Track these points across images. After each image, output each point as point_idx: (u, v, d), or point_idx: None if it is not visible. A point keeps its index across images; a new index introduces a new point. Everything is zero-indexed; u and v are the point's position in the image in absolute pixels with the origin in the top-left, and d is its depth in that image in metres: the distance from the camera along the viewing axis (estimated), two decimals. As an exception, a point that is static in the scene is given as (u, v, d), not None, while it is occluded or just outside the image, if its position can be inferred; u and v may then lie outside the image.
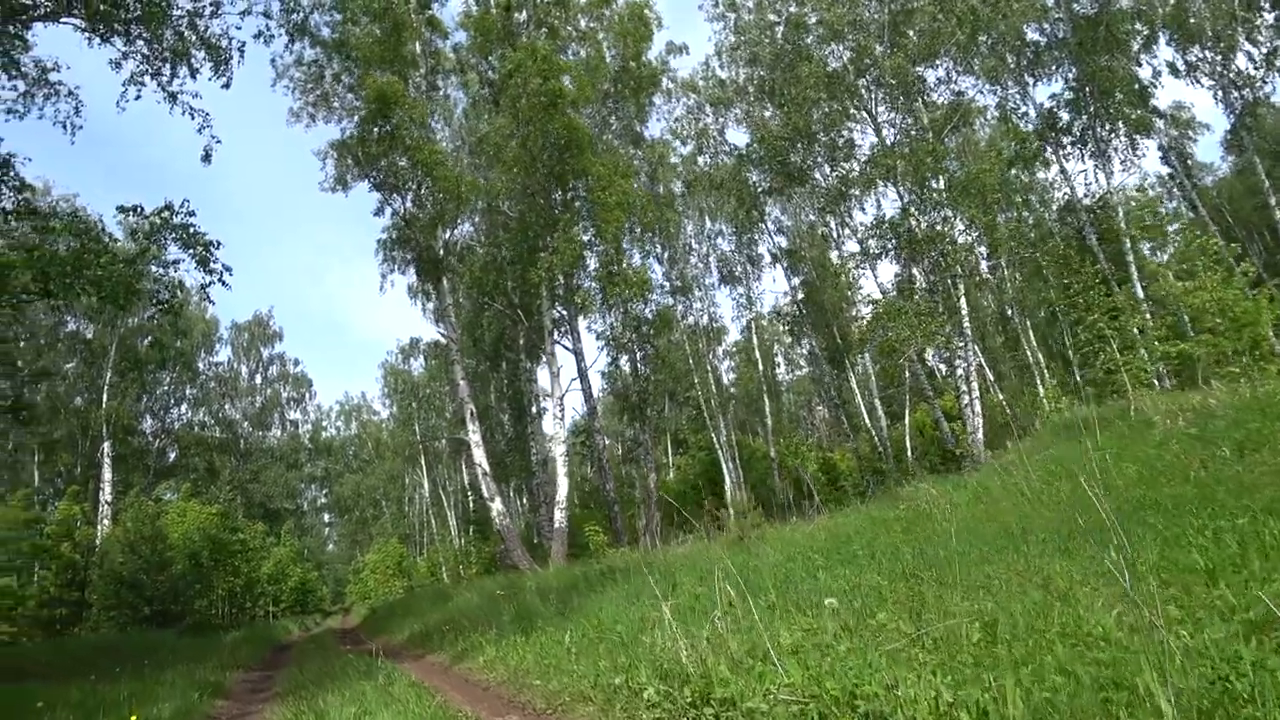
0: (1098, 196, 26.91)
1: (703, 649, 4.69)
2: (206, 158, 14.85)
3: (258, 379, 43.94)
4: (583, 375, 21.49)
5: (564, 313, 21.72)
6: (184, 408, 41.78)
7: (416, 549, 44.23)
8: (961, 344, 23.02)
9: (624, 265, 18.20)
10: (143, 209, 12.35)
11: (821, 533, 10.63)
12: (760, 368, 35.90)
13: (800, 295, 43.03)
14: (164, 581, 21.09)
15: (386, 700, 5.83)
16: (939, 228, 24.88)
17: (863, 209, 30.19)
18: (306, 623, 34.82)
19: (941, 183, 25.37)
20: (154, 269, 12.65)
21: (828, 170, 28.79)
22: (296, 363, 45.61)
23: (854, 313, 43.32)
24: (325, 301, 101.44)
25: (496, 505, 16.72)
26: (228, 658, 13.11)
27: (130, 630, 19.69)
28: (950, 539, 6.50)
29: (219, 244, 13.01)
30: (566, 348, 20.85)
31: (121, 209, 12.30)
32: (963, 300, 24.71)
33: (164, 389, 40.75)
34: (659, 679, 4.52)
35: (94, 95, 15.49)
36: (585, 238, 18.74)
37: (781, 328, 50.49)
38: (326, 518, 58.29)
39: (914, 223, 24.77)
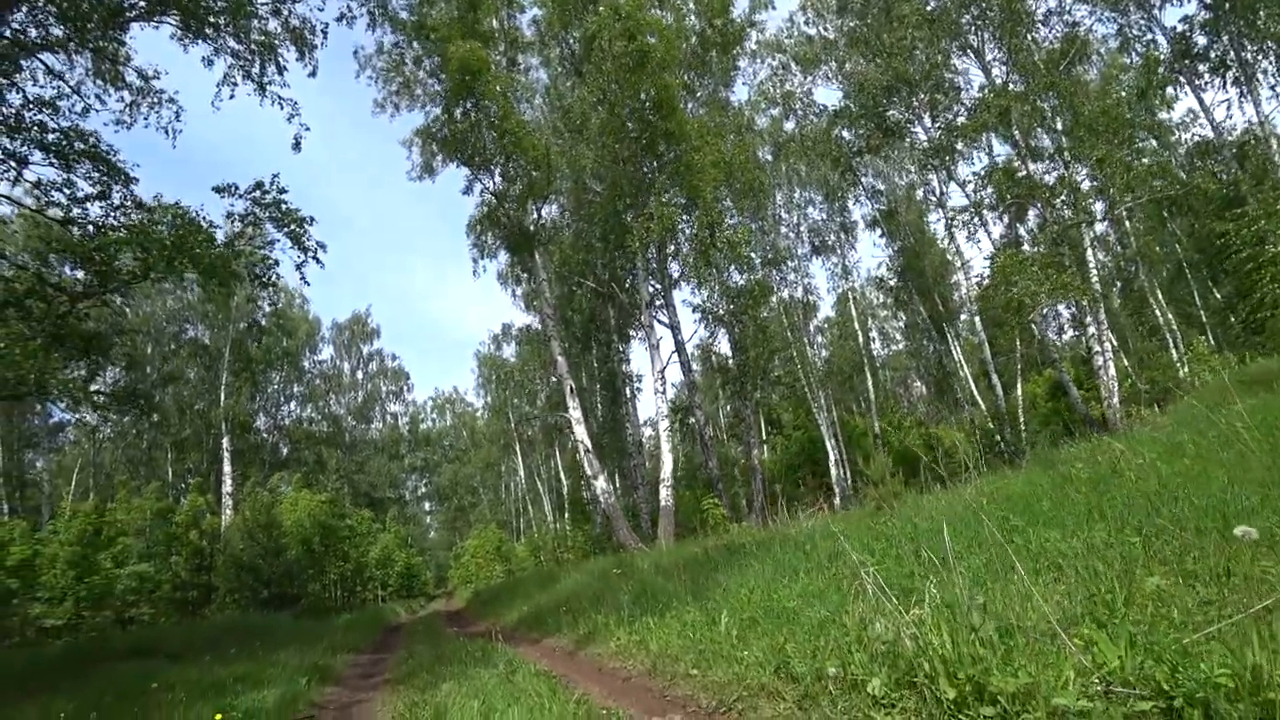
0: (1243, 129, 23.68)
1: (928, 628, 3.40)
2: (296, 146, 14.52)
3: (359, 374, 45.04)
4: (680, 349, 20.29)
5: (658, 287, 20.59)
6: (293, 405, 43.24)
7: (514, 534, 44.38)
8: (1090, 300, 20.54)
9: (723, 228, 16.82)
10: (237, 187, 12.00)
11: (981, 498, 9.09)
12: (860, 338, 33.70)
13: (898, 263, 40.50)
14: (279, 566, 21.37)
15: (512, 692, 4.82)
16: (1060, 173, 22.38)
17: (969, 161, 27.79)
18: (413, 605, 35.24)
19: (1061, 123, 22.77)
20: (251, 250, 12.25)
21: (929, 122, 26.52)
22: (394, 358, 46.56)
23: (955, 279, 40.46)
24: (415, 302, 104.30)
25: (600, 483, 15.79)
26: (339, 640, 12.65)
27: (250, 612, 19.95)
28: (1169, 495, 5.01)
29: (312, 220, 12.54)
30: (663, 322, 19.72)
31: (217, 189, 11.98)
32: (1089, 252, 22.14)
33: (274, 388, 42.27)
34: (883, 666, 3.28)
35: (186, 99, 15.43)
36: (680, 201, 17.44)
37: (876, 299, 47.89)
38: (427, 506, 59.63)
39: (1030, 168, 22.32)
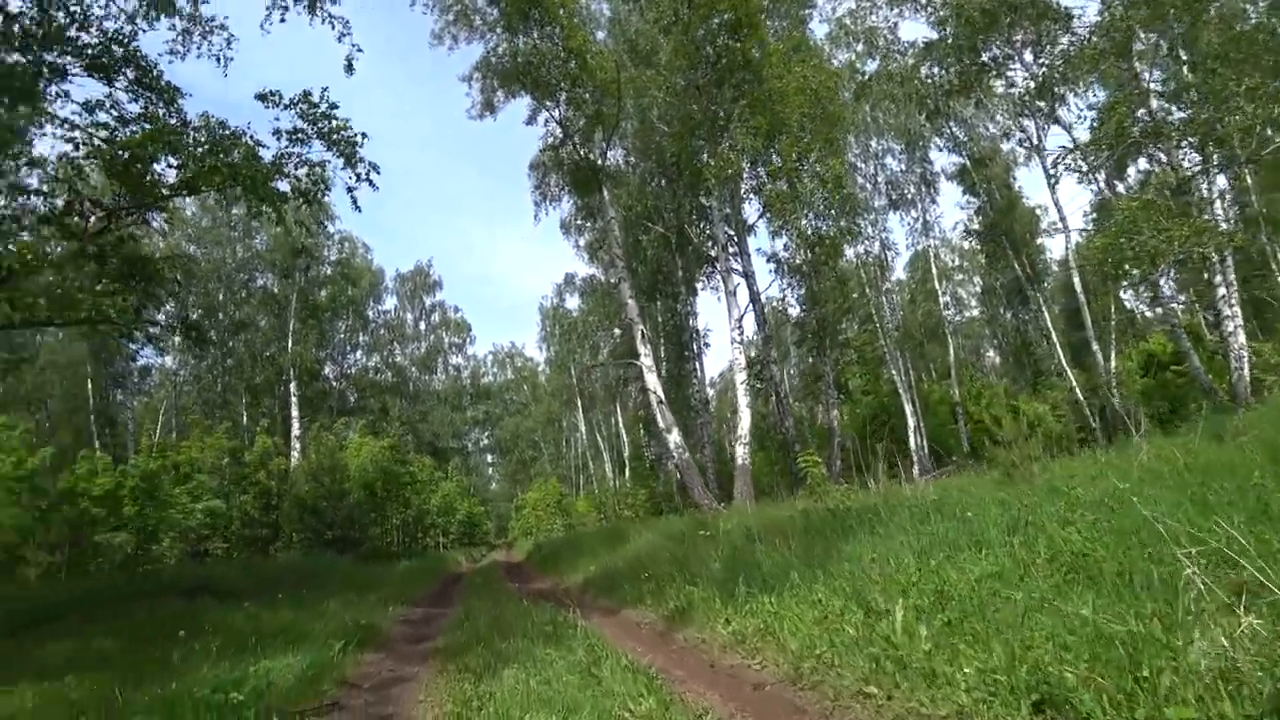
0: None
1: None
2: (349, 68, 13.14)
3: (422, 325, 44.56)
4: (755, 300, 18.44)
5: (731, 233, 18.72)
6: (359, 354, 43.16)
7: (573, 489, 43.70)
8: (1220, 258, 17.75)
9: (811, 159, 14.76)
10: (281, 95, 10.65)
11: (1161, 464, 7.21)
12: (941, 299, 30.97)
13: (984, 221, 37.26)
14: (342, 509, 20.81)
15: (601, 700, 3.35)
16: (1195, 109, 19.33)
17: (1079, 99, 24.66)
18: (473, 554, 34.93)
19: (1191, 54, 19.64)
20: (299, 163, 10.95)
21: (1030, 58, 23.50)
22: (456, 310, 45.86)
23: (1040, 241, 36.93)
24: (465, 261, 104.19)
25: (674, 437, 14.27)
26: (394, 589, 11.65)
27: (313, 553, 19.44)
28: None
29: (364, 137, 11.14)
30: (736, 270, 17.86)
31: (261, 97, 10.66)
32: (1217, 203, 19.19)
33: (340, 337, 42.25)
34: None
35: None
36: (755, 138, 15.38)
37: (952, 261, 44.60)
38: (489, 458, 59.62)
39: (1153, 105, 19.32)
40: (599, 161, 16.38)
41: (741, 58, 16.71)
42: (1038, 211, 33.55)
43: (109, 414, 38.67)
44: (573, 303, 37.02)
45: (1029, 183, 42.95)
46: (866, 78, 26.37)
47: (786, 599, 4.98)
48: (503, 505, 59.24)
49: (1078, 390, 29.44)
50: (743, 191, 18.78)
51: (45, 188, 10.62)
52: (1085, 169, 19.12)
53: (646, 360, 14.81)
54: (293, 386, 33.10)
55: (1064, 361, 31.27)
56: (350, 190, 11.25)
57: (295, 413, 32.34)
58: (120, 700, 4.46)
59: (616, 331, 30.04)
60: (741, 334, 15.61)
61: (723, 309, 15.43)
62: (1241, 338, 17.22)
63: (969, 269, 46.67)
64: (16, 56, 9.59)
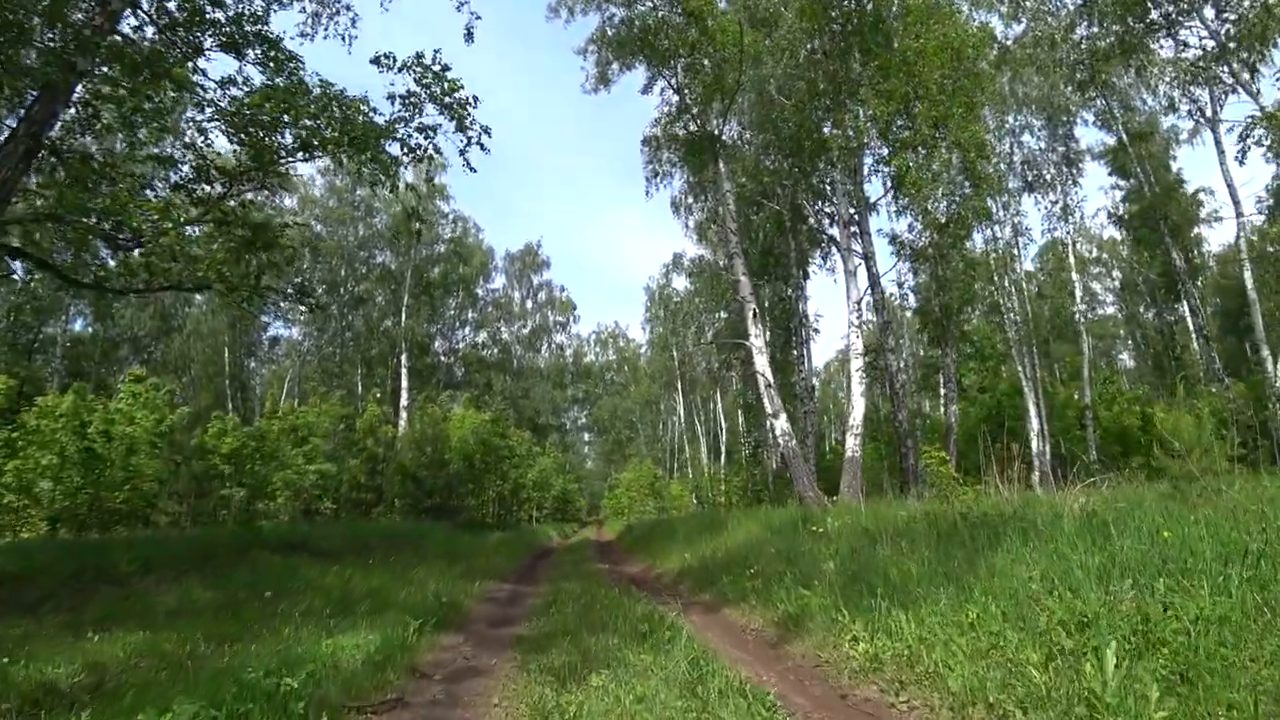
0: None
1: None
2: (469, 36, 12.91)
3: (528, 304, 45.17)
4: (875, 283, 17.03)
5: (853, 212, 17.33)
6: (467, 330, 44.36)
7: (668, 472, 43.25)
8: None
9: (952, 126, 13.20)
10: (395, 57, 10.45)
11: None
12: (1077, 292, 27.92)
13: (1125, 208, 33.48)
14: (441, 478, 21.18)
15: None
16: None
17: (1265, 68, 21.35)
18: (565, 530, 35.20)
19: None
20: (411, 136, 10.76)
21: (1210, 14, 20.52)
22: (562, 289, 46.14)
23: (1198, 231, 32.65)
24: (582, 241, 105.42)
25: (780, 424, 13.31)
26: (484, 561, 11.43)
27: (412, 519, 19.88)
28: None
29: (476, 100, 10.80)
30: (856, 251, 16.47)
31: (375, 60, 10.52)
32: None
33: (451, 313, 43.57)
34: None
35: None
36: (888, 102, 13.91)
37: (1090, 253, 40.63)
38: (586, 436, 60.19)
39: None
40: (715, 132, 15.47)
41: (873, 18, 15.31)
42: (1201, 196, 29.63)
43: (242, 379, 41.72)
44: (679, 284, 36.25)
45: (1190, 164, 37.98)
46: (1010, 42, 23.89)
47: (927, 618, 4.08)
48: (596, 484, 59.71)
49: (1235, 401, 25.93)
50: (865, 169, 17.36)
51: (177, 154, 10.99)
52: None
53: (757, 341, 13.86)
54: (404, 359, 34.34)
55: (1219, 368, 27.67)
56: (462, 152, 11.01)
57: (405, 384, 33.54)
58: (190, 667, 4.21)
59: (722, 315, 29.11)
60: (860, 317, 14.37)
61: (833, 293, 14.32)
62: None
63: (1108, 261, 42.31)
64: (158, 34, 9.89)
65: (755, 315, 13.97)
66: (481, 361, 43.39)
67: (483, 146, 10.98)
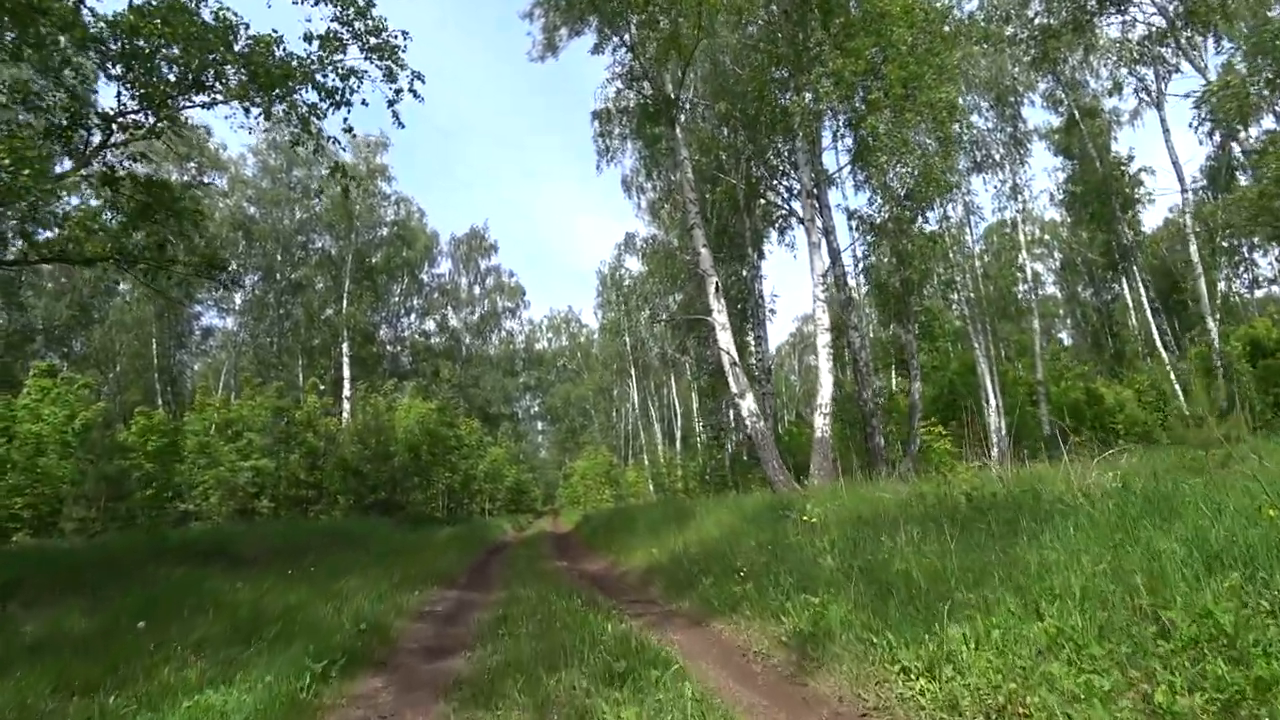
0: None
1: None
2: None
3: (476, 290, 43.30)
4: (835, 258, 16.22)
5: (813, 182, 16.42)
6: (413, 317, 42.31)
7: (623, 460, 42.22)
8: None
9: (923, 86, 12.33)
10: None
11: None
12: (1027, 269, 27.85)
13: (1064, 189, 33.71)
14: (385, 472, 19.62)
15: None
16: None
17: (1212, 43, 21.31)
18: (520, 521, 33.87)
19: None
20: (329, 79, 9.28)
21: (1163, -12, 20.33)
22: (511, 274, 44.42)
23: (1135, 212, 33.03)
24: (531, 227, 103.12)
25: (747, 404, 12.30)
26: (430, 561, 10.13)
27: (354, 517, 18.34)
28: None
29: (407, 37, 9.39)
30: (817, 227, 15.56)
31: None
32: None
33: (395, 300, 41.48)
34: None
35: None
36: (856, 61, 12.94)
37: (1031, 233, 41.11)
38: (540, 425, 58.62)
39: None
40: (672, 95, 14.29)
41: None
42: (1142, 175, 29.89)
43: (173, 373, 38.88)
44: (634, 265, 35.00)
45: (1130, 145, 38.69)
46: (963, 19, 23.38)
47: (994, 637, 3.08)
48: (550, 473, 58.35)
49: (1173, 375, 26.30)
50: (825, 140, 16.48)
51: (48, 100, 9.26)
52: (1236, 109, 16.11)
53: (720, 317, 12.81)
54: (345, 347, 32.35)
55: (1159, 340, 28.09)
56: (391, 104, 9.60)
57: (347, 373, 31.56)
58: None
59: (676, 296, 28.06)
60: (825, 291, 13.50)
61: (787, 273, 13.33)
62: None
63: (1049, 242, 42.86)
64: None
65: (717, 289, 12.92)
66: (429, 350, 41.45)
67: (415, 94, 9.62)
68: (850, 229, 18.10)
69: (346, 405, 30.34)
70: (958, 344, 25.46)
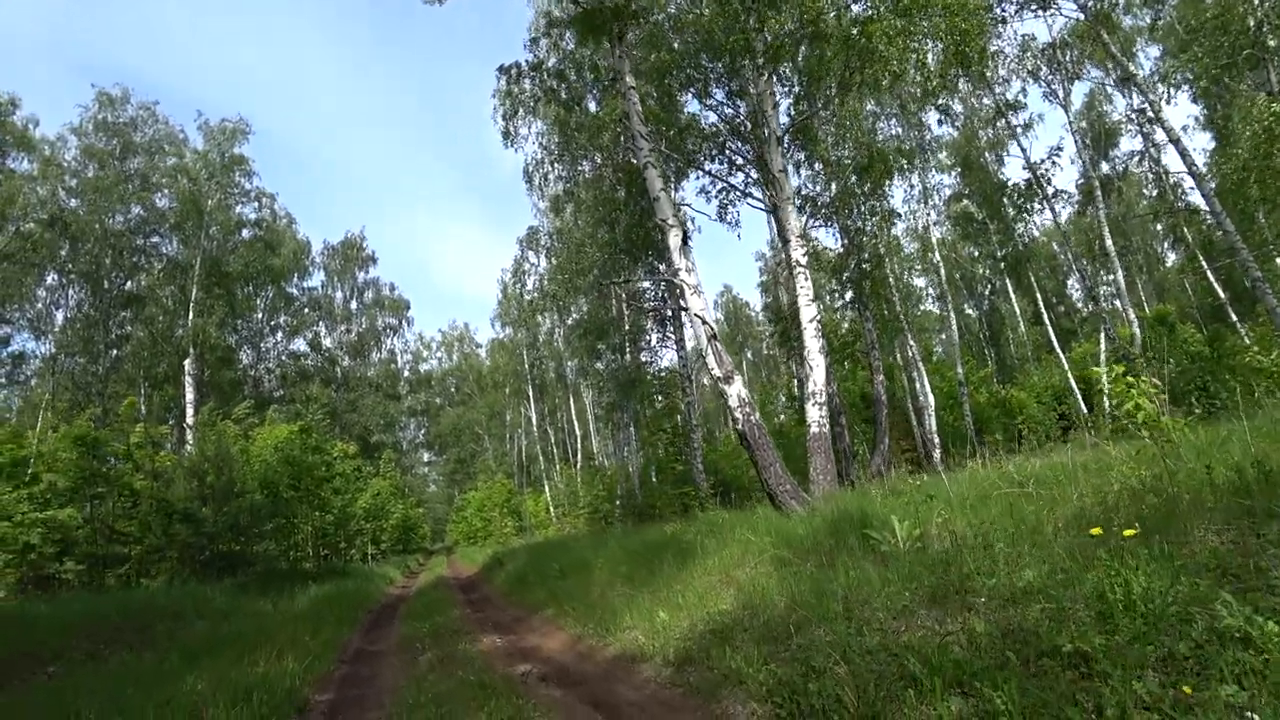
0: None
1: None
2: None
3: (354, 304, 37.48)
4: (786, 241, 13.37)
5: (781, 130, 13.50)
6: (279, 335, 35.87)
7: (520, 487, 37.57)
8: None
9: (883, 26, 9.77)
10: None
11: None
12: (942, 273, 26.65)
13: (966, 202, 33.64)
14: (228, 516, 14.40)
15: None
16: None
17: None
18: (409, 564, 28.49)
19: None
20: None
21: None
22: (393, 288, 38.91)
23: (1038, 209, 33.29)
24: (418, 238, 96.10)
25: (736, 389, 8.78)
26: (277, 657, 5.89)
27: (177, 581, 13.09)
28: None
29: None
30: (790, 184, 12.54)
31: None
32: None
33: (259, 316, 35.00)
34: None
35: None
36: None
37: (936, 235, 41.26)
38: (426, 457, 52.40)
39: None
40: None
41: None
42: (1034, 186, 29.88)
43: (-28, 408, 30.48)
44: (540, 262, 30.61)
45: (1015, 162, 39.98)
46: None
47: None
48: (439, 508, 52.24)
49: (1070, 377, 25.89)
50: (775, 97, 13.66)
51: None
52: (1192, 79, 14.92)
53: (689, 277, 9.31)
54: (188, 365, 25.92)
55: (1058, 345, 27.84)
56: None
57: (190, 396, 25.17)
58: None
59: (582, 304, 24.41)
60: (807, 256, 10.47)
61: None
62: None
63: (968, 240, 43.38)
64: None
65: (684, 242, 9.51)
66: (301, 373, 35.15)
67: None
68: (799, 207, 15.42)
69: (190, 434, 24.06)
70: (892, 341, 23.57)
